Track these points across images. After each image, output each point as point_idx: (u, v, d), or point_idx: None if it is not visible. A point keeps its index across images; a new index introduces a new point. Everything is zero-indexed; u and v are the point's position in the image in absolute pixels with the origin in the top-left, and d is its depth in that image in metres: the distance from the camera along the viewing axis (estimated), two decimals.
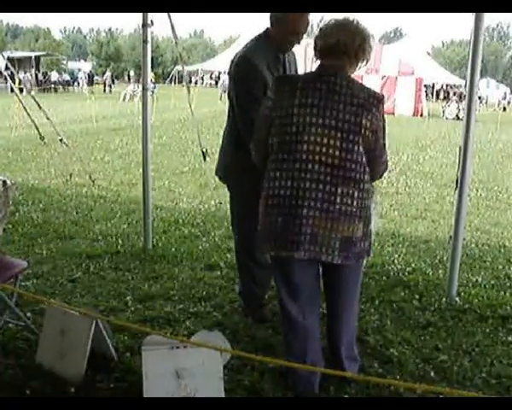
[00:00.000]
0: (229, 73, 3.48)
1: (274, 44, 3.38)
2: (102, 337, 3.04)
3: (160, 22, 5.24)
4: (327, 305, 3.06)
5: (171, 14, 5.31)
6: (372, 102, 2.61)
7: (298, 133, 2.55)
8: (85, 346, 2.88)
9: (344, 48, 2.59)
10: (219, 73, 39.45)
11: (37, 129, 7.34)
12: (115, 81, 43.88)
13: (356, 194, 2.59)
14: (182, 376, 2.71)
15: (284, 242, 2.62)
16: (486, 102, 39.90)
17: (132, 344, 3.32)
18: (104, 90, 36.68)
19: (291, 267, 2.75)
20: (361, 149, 2.58)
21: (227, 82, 3.68)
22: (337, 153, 2.53)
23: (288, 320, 2.90)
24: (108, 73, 41.22)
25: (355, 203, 2.59)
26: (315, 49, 2.70)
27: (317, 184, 2.54)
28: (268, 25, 3.38)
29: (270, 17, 3.35)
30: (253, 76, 3.28)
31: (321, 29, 2.67)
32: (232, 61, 3.44)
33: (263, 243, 2.74)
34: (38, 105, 7.08)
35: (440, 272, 4.81)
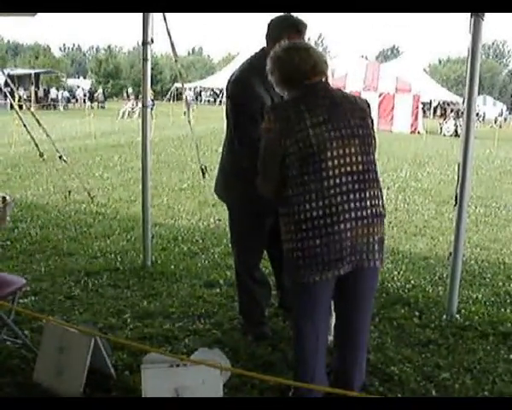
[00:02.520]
0: (226, 92, 3.50)
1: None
2: (101, 355, 3.02)
3: (159, 40, 5.27)
4: (341, 323, 2.88)
5: (171, 31, 5.34)
6: (365, 102, 2.73)
7: (320, 152, 2.52)
8: (84, 364, 2.85)
9: (321, 67, 2.63)
10: (220, 90, 39.69)
11: (36, 146, 7.34)
12: (107, 98, 44.30)
13: (379, 193, 2.65)
14: (181, 394, 2.69)
15: (328, 263, 2.56)
16: (484, 119, 40.11)
17: (131, 362, 3.30)
18: (97, 107, 36.71)
19: (322, 287, 2.66)
20: (372, 148, 2.66)
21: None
22: (359, 158, 2.57)
23: (304, 341, 2.80)
24: (100, 90, 41.52)
25: (381, 203, 2.65)
26: (292, 75, 2.63)
27: (348, 196, 2.54)
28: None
29: (266, 36, 3.38)
30: (249, 95, 3.29)
31: (288, 57, 2.63)
32: (229, 81, 3.45)
33: (302, 269, 2.59)
34: (38, 122, 7.10)
35: (440, 288, 4.79)
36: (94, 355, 2.93)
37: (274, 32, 3.31)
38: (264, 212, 3.57)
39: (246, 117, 3.29)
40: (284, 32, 3.25)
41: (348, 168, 2.55)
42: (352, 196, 2.55)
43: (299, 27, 3.29)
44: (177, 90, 35.65)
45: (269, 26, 3.38)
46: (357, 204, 2.56)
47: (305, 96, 2.60)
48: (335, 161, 2.53)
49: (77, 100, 39.65)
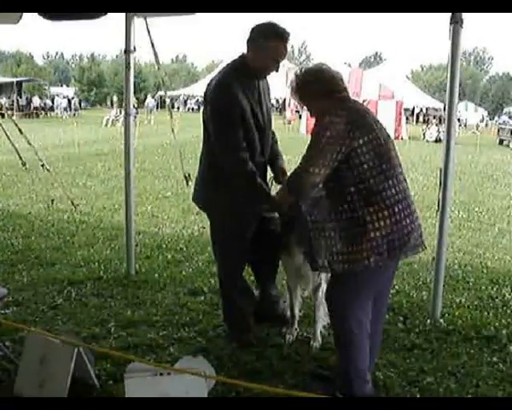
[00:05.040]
0: (204, 99, 3.46)
1: (251, 70, 3.39)
2: (84, 365, 2.98)
3: (143, 48, 5.26)
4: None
5: (154, 39, 5.33)
6: None
7: (386, 143, 2.91)
8: (67, 374, 2.82)
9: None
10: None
11: (18, 154, 7.26)
12: (82, 105, 44.28)
13: None
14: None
15: (419, 241, 2.98)
16: (465, 125, 40.57)
17: (115, 371, 3.26)
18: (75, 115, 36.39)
19: (387, 272, 3.06)
20: None
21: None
22: (398, 152, 3.02)
23: (362, 334, 2.98)
24: (76, 99, 41.51)
25: None
26: (341, 88, 3.02)
27: (404, 182, 2.98)
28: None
29: (249, 42, 3.36)
30: (231, 101, 3.27)
31: (331, 75, 3.04)
32: (209, 87, 3.42)
33: (394, 250, 2.86)
34: (20, 130, 7.02)
35: (424, 293, 4.82)
36: (77, 365, 2.89)
37: (259, 38, 3.32)
38: (246, 220, 3.57)
39: (227, 123, 3.28)
40: (270, 40, 3.30)
41: (398, 160, 3.00)
42: (405, 183, 3.00)
43: (285, 35, 3.33)
44: (160, 98, 35.58)
45: (252, 32, 3.37)
46: (408, 190, 3.00)
47: (352, 103, 3.02)
48: (392, 153, 2.95)
49: (55, 108, 39.44)
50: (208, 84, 3.44)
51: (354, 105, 3.03)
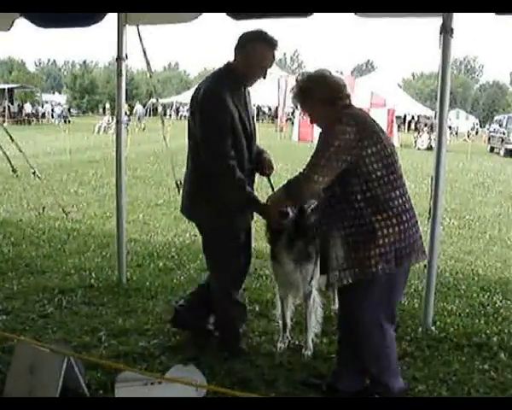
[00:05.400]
0: (191, 106, 3.43)
1: (238, 77, 3.40)
2: (74, 374, 2.95)
3: (135, 55, 5.26)
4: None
5: (146, 46, 5.34)
6: None
7: (393, 154, 2.95)
8: (56, 384, 2.79)
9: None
10: None
11: (9, 161, 7.25)
12: (72, 112, 44.15)
13: None
14: None
15: (421, 250, 3.03)
16: (457, 133, 40.84)
17: (105, 381, 3.24)
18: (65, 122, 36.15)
19: (403, 277, 3.08)
20: None
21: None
22: None
23: (385, 338, 3.05)
24: (65, 106, 41.54)
25: None
26: (344, 95, 3.03)
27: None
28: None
29: (237, 49, 3.38)
30: (222, 109, 3.27)
31: (335, 81, 3.05)
32: (196, 94, 3.40)
33: (403, 258, 2.90)
34: (11, 137, 7.01)
35: (416, 301, 4.82)
36: (67, 375, 2.86)
37: (247, 44, 3.34)
38: (237, 229, 3.55)
39: (217, 131, 3.27)
40: (259, 46, 3.33)
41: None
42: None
43: (273, 42, 3.36)
44: (153, 105, 35.57)
45: (240, 39, 3.39)
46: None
47: (359, 111, 3.04)
48: (399, 163, 2.99)
49: (44, 115, 39.39)
50: (195, 92, 3.42)
51: (361, 113, 3.03)
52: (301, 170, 2.94)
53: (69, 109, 42.99)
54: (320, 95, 2.99)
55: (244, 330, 3.94)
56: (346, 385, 3.22)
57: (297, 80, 3.08)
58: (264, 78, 3.41)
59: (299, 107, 3.17)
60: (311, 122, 3.16)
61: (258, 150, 3.71)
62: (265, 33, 3.34)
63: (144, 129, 28.97)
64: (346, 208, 2.91)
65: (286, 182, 3.05)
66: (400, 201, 2.91)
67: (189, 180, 3.61)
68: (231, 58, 3.47)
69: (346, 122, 2.85)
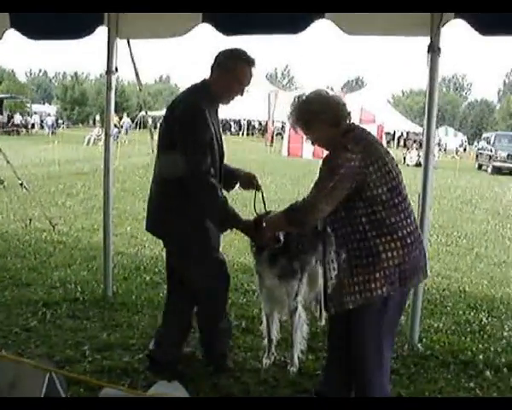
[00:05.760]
0: (166, 120, 3.37)
1: (215, 95, 3.38)
2: (56, 390, 2.90)
3: (126, 67, 5.27)
4: None
5: (138, 59, 5.34)
6: None
7: (397, 176, 2.91)
8: None
9: None
10: None
11: None
12: (59, 123, 43.92)
13: None
14: None
15: (424, 270, 3.00)
16: (445, 150, 41.14)
17: (88, 397, 3.19)
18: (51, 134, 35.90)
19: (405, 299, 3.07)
20: None
21: None
22: None
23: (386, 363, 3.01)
24: (52, 117, 41.47)
25: None
26: (347, 114, 3.00)
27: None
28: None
29: (214, 66, 3.38)
30: (204, 126, 3.24)
31: (338, 102, 3.02)
32: (173, 109, 3.36)
33: (407, 279, 2.87)
34: None
35: (402, 318, 4.80)
36: (48, 391, 2.81)
37: (226, 62, 3.35)
38: (214, 244, 3.50)
39: (200, 148, 3.21)
40: (237, 63, 3.34)
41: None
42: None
43: (251, 60, 3.37)
44: (143, 118, 35.55)
45: (218, 56, 3.39)
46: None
47: (362, 129, 3.03)
48: (403, 184, 2.95)
49: (34, 126, 39.23)
50: (172, 105, 3.39)
51: (366, 135, 2.98)
52: (305, 197, 2.89)
53: (57, 120, 42.77)
54: (327, 117, 2.93)
55: (230, 347, 3.91)
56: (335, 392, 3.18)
57: (298, 104, 3.00)
58: (242, 94, 3.41)
59: (299, 130, 3.06)
60: (316, 145, 3.11)
61: (233, 168, 3.70)
62: (244, 52, 3.36)
63: (130, 141, 28.80)
64: (350, 232, 2.87)
65: (287, 208, 2.97)
66: (405, 223, 2.87)
67: (157, 195, 3.49)
68: None
69: (352, 149, 2.80)
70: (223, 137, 3.52)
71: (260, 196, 3.61)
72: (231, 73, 3.33)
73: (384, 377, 3.00)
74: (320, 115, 2.93)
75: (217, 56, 3.39)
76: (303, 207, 2.87)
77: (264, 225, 3.18)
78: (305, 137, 3.14)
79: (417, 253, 2.90)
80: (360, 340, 2.93)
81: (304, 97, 3.02)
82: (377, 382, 2.97)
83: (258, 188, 3.65)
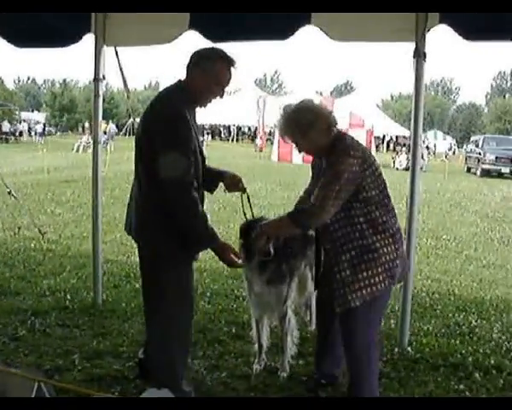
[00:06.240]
0: (145, 126, 3.13)
1: (194, 96, 3.15)
2: None
3: (115, 74, 5.25)
4: None
5: (124, 65, 5.33)
6: None
7: (384, 179, 3.16)
8: None
9: None
10: None
11: None
12: (47, 131, 43.34)
13: None
14: None
15: (407, 264, 3.30)
16: (434, 153, 41.40)
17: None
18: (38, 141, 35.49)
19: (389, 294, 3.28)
20: None
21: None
22: None
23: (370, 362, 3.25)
24: (40, 125, 41.34)
25: None
26: (335, 122, 3.13)
27: None
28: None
29: (191, 67, 3.15)
30: (187, 132, 3.04)
31: (327, 109, 3.19)
32: (150, 114, 3.14)
33: (396, 273, 3.13)
34: None
35: (392, 321, 4.83)
36: None
37: (204, 62, 3.12)
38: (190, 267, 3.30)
39: (183, 158, 2.99)
40: (216, 63, 3.12)
41: None
42: None
43: (231, 59, 3.17)
44: (132, 125, 35.48)
45: (194, 56, 3.16)
46: None
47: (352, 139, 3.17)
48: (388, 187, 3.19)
49: (22, 133, 39.00)
50: (149, 110, 3.16)
51: (358, 142, 3.15)
52: (311, 201, 3.04)
53: (44, 127, 42.54)
54: (322, 125, 3.07)
55: (219, 352, 3.90)
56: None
57: (291, 114, 3.10)
58: (221, 97, 3.22)
59: (288, 139, 3.19)
60: (307, 153, 3.29)
61: (218, 170, 3.56)
62: (223, 51, 3.17)
63: (117, 149, 28.65)
64: (350, 231, 3.07)
65: (292, 211, 3.16)
66: (393, 221, 3.15)
67: (140, 199, 3.22)
68: None
69: (354, 155, 2.99)
70: (200, 139, 3.33)
71: (246, 198, 3.54)
72: (210, 73, 3.10)
73: (373, 373, 3.28)
74: (316, 124, 3.06)
75: (193, 56, 3.17)
76: (310, 210, 3.04)
77: (254, 233, 3.22)
78: (294, 145, 3.23)
79: (403, 248, 3.23)
80: (361, 335, 3.16)
81: (295, 107, 3.13)
82: (366, 375, 3.24)
83: (243, 190, 3.53)
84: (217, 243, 3.13)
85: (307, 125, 3.06)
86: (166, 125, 3.00)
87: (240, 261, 3.24)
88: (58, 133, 49.37)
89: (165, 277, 3.15)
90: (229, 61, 3.16)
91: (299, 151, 3.28)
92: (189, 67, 3.17)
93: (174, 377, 3.21)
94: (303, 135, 3.09)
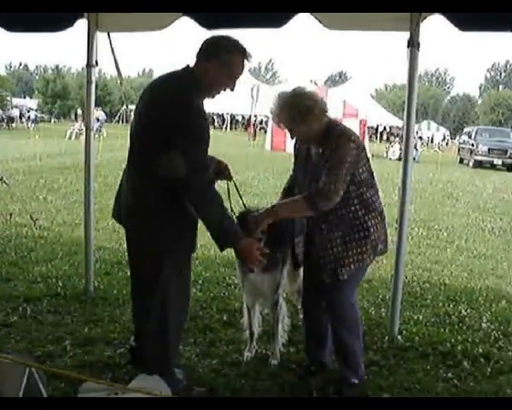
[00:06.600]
0: (152, 110, 2.98)
1: (205, 87, 3.04)
2: (36, 386, 2.89)
3: (109, 60, 5.21)
4: None
5: (120, 53, 5.29)
6: None
7: (369, 160, 3.33)
8: (16, 395, 2.73)
9: None
10: None
11: None
12: (39, 117, 42.48)
13: None
14: None
15: (386, 241, 3.47)
16: (428, 144, 41.50)
17: (69, 391, 3.17)
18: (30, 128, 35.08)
19: None
20: None
21: None
22: None
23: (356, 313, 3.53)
24: (33, 112, 40.98)
25: None
26: (327, 110, 3.25)
27: None
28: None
29: (205, 56, 3.01)
30: (204, 121, 2.97)
31: (318, 100, 3.23)
32: (159, 100, 2.97)
33: (380, 247, 3.37)
34: None
35: (383, 310, 4.87)
36: (28, 386, 2.80)
37: (220, 53, 2.98)
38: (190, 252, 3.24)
39: (202, 144, 2.93)
40: (234, 55, 3.02)
41: None
42: None
43: (250, 54, 3.10)
44: (126, 112, 35.34)
45: (209, 45, 3.03)
46: None
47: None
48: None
49: (14, 120, 38.68)
50: (160, 98, 2.98)
51: (348, 128, 3.35)
52: (319, 185, 3.13)
53: (36, 114, 42.18)
54: (319, 111, 3.18)
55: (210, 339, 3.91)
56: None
57: (289, 100, 3.16)
58: (232, 90, 3.13)
59: (285, 127, 3.25)
60: (302, 138, 3.34)
61: (214, 159, 3.49)
62: (240, 43, 3.06)
63: (109, 135, 28.52)
64: (344, 213, 3.24)
65: (307, 195, 3.20)
66: (380, 200, 3.40)
67: (137, 184, 3.10)
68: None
69: (354, 140, 3.19)
70: None
71: (234, 186, 3.51)
72: (226, 65, 2.99)
73: (358, 322, 3.54)
74: (314, 109, 3.15)
75: (208, 45, 3.03)
76: (325, 193, 3.13)
77: (252, 220, 3.24)
78: (288, 132, 3.29)
79: (386, 225, 3.44)
80: (340, 300, 3.41)
81: (292, 94, 3.19)
82: (355, 327, 3.49)
83: (229, 178, 3.50)
84: (241, 243, 3.03)
85: (306, 110, 3.13)
86: (184, 114, 2.87)
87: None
88: (52, 120, 48.97)
89: (168, 267, 3.05)
90: (245, 55, 3.05)
91: (293, 137, 3.35)
92: (201, 55, 3.02)
93: (168, 365, 3.22)
94: (301, 120, 3.15)
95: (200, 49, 3.05)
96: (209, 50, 3.02)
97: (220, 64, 2.99)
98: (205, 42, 3.05)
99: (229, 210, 3.29)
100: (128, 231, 3.31)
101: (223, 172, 3.50)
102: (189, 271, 3.28)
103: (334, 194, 3.11)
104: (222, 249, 3.11)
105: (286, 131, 3.30)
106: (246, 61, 3.09)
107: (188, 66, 3.06)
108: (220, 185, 3.48)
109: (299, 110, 3.13)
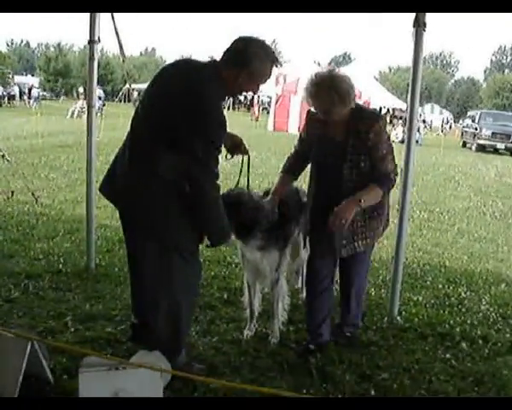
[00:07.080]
0: (174, 98, 2.85)
1: (230, 91, 3.04)
2: (38, 360, 2.93)
3: (111, 39, 5.19)
4: None
5: (120, 31, 5.27)
6: None
7: None
8: (19, 369, 2.77)
9: None
10: None
11: None
12: (41, 95, 41.80)
13: None
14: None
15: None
16: (431, 127, 41.33)
17: (71, 366, 3.21)
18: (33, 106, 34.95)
19: None
20: None
21: None
22: None
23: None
24: (36, 90, 40.73)
25: None
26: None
27: None
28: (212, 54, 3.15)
29: (236, 59, 2.91)
30: (223, 128, 2.92)
31: (352, 83, 3.34)
32: (184, 89, 2.84)
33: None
34: None
35: (383, 291, 4.90)
36: (30, 360, 2.84)
37: (253, 60, 2.91)
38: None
39: (218, 146, 2.93)
40: (266, 65, 2.98)
41: None
42: None
43: (280, 63, 3.11)
44: (128, 91, 35.13)
45: (247, 54, 2.92)
46: None
47: None
48: None
49: (15, 97, 38.48)
50: (185, 88, 2.85)
51: None
52: (387, 172, 3.39)
53: (38, 92, 41.93)
54: (354, 93, 3.33)
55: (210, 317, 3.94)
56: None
57: (327, 83, 3.23)
58: (255, 93, 3.21)
59: (322, 108, 3.32)
60: (336, 118, 3.35)
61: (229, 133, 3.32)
62: (271, 49, 3.03)
63: (110, 115, 28.38)
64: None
65: (380, 181, 3.39)
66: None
67: (137, 162, 3.00)
68: (207, 46, 3.23)
69: (382, 118, 3.44)
70: None
71: (246, 163, 3.45)
72: (258, 77, 2.97)
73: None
74: (352, 92, 3.30)
75: (240, 51, 2.93)
76: (391, 176, 3.43)
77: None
78: (323, 113, 3.36)
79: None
80: (364, 271, 3.81)
81: (331, 75, 3.28)
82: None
83: (245, 152, 3.43)
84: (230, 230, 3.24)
85: (346, 92, 3.24)
86: (207, 118, 2.83)
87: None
88: (56, 98, 48.68)
89: (184, 250, 3.07)
90: (275, 62, 3.02)
91: (330, 119, 3.37)
92: (232, 60, 2.93)
93: (176, 350, 3.19)
94: (341, 102, 3.24)
95: (230, 52, 2.95)
96: (240, 58, 2.92)
97: (251, 73, 2.94)
98: (236, 46, 2.96)
99: (247, 186, 3.48)
100: (123, 209, 3.24)
101: (238, 145, 3.43)
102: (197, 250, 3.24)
103: (396, 175, 3.48)
104: (214, 246, 3.29)
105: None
106: (274, 67, 3.07)
107: (215, 63, 2.97)
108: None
109: (338, 92, 3.22)
